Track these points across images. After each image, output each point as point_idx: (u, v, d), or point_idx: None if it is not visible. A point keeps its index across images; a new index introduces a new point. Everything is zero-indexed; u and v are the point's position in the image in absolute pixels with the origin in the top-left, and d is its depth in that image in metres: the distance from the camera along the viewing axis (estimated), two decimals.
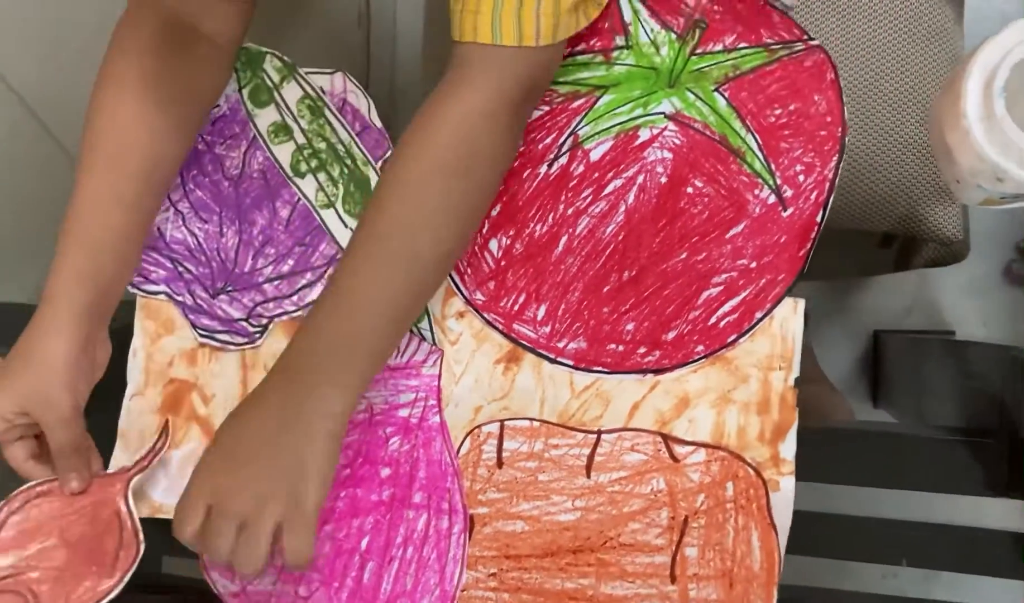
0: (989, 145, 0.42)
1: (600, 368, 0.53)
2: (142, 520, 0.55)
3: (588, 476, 0.52)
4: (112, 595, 0.55)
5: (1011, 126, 0.41)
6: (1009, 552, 0.50)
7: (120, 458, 0.59)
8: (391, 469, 0.55)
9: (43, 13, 0.70)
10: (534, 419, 0.53)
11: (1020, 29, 0.42)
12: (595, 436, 0.52)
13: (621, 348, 0.52)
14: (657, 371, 0.52)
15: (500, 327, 0.54)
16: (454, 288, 0.55)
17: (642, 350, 0.52)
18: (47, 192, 0.67)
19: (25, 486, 0.55)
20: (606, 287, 0.53)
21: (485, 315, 0.54)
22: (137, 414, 0.59)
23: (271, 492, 0.45)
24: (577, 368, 0.53)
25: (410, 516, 0.55)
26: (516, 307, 0.54)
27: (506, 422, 0.54)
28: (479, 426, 0.54)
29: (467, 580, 0.53)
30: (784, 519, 0.49)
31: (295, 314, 0.57)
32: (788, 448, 0.50)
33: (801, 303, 0.51)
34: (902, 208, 0.61)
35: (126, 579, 0.55)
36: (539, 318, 0.54)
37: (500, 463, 0.53)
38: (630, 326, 0.52)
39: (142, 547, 0.55)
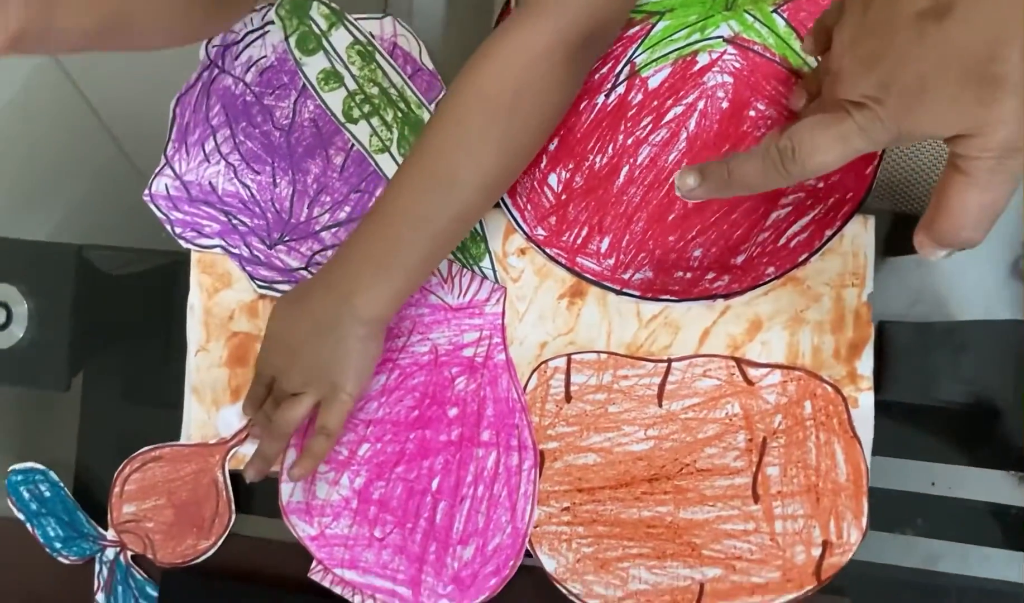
0: None
1: (668, 297, 0.52)
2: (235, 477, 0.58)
3: (659, 405, 0.52)
4: (208, 554, 0.59)
5: None
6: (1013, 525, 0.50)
7: (196, 413, 0.59)
8: (459, 409, 0.55)
9: None
10: (601, 352, 0.53)
11: None
12: (665, 364, 0.52)
13: (689, 275, 0.52)
14: (727, 295, 0.51)
15: (563, 262, 0.54)
16: (514, 225, 0.54)
17: (711, 275, 0.52)
18: (64, 132, 0.67)
19: (144, 449, 0.59)
20: (671, 215, 0.52)
21: (547, 250, 0.54)
22: (205, 369, 0.59)
23: (314, 378, 0.52)
24: (644, 298, 0.53)
25: (479, 455, 0.54)
26: (579, 241, 0.54)
27: (573, 356, 0.53)
28: (545, 362, 0.54)
29: (540, 516, 0.53)
30: (866, 433, 0.48)
31: None
32: (865, 364, 0.49)
33: (871, 220, 0.50)
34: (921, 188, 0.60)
35: (219, 542, 0.59)
36: (603, 250, 0.53)
37: (568, 397, 0.53)
38: (697, 252, 0.52)
39: (233, 516, 0.58)
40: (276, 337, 0.54)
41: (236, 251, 0.59)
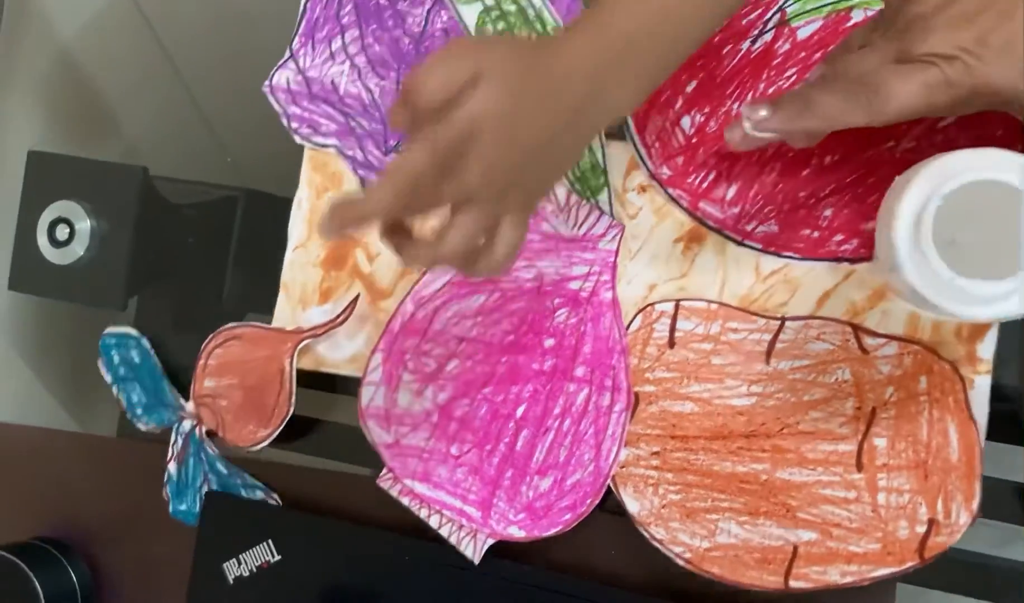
0: (920, 279, 0.41)
1: (791, 254, 0.51)
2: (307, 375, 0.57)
3: (767, 362, 0.51)
4: (264, 444, 0.59)
5: (943, 268, 0.40)
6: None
7: (283, 309, 0.59)
8: (555, 340, 0.54)
9: None
10: (712, 301, 0.52)
11: (958, 160, 0.41)
12: (778, 322, 0.51)
13: (816, 234, 0.51)
14: (853, 260, 0.50)
15: (684, 204, 0.53)
16: (639, 160, 0.53)
17: (839, 237, 0.50)
18: (132, 66, 0.68)
19: (227, 326, 0.59)
20: (805, 171, 0.51)
21: (670, 191, 0.53)
22: (300, 267, 0.59)
23: (522, 180, 0.40)
24: (766, 252, 0.51)
25: (570, 389, 0.54)
26: (704, 185, 0.52)
27: (682, 302, 0.52)
28: (652, 304, 0.53)
29: (627, 457, 0.52)
30: (980, 417, 0.47)
31: None
32: (986, 348, 0.48)
33: None
34: None
35: (275, 434, 0.58)
36: (728, 198, 0.52)
37: (672, 343, 0.52)
38: (828, 212, 0.50)
39: (291, 410, 0.58)
40: (501, 115, 0.37)
41: (350, 154, 0.58)
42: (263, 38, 0.63)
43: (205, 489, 0.59)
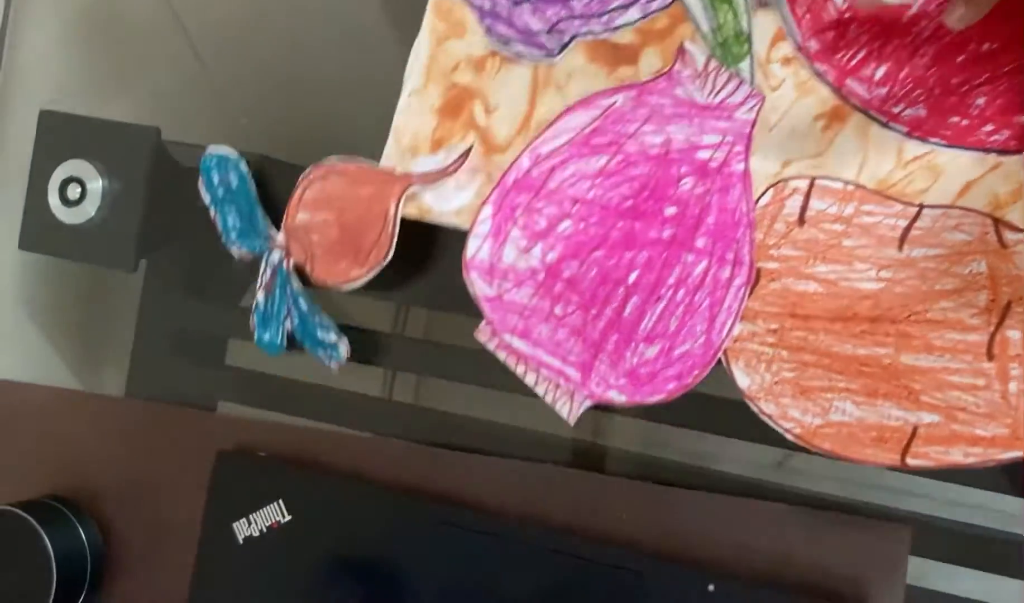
0: None
1: (937, 140, 0.50)
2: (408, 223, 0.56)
3: (900, 248, 0.49)
4: (356, 284, 0.57)
5: None
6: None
7: (391, 153, 0.57)
8: (677, 209, 0.53)
9: None
10: (849, 182, 0.51)
11: None
12: (916, 209, 0.49)
13: (965, 122, 0.49)
14: (1002, 151, 0.49)
15: (830, 80, 0.51)
16: (787, 30, 0.52)
17: (989, 127, 0.49)
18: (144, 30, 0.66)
19: (334, 157, 0.57)
20: (960, 56, 0.49)
21: (816, 65, 0.51)
22: (415, 112, 0.57)
23: None
24: (910, 136, 0.50)
25: (688, 260, 0.52)
26: (853, 62, 0.51)
27: (817, 180, 0.51)
28: (785, 179, 0.51)
29: (742, 332, 0.51)
30: None
31: (601, 35, 0.55)
32: None
33: None
34: None
35: (369, 276, 0.57)
36: (877, 78, 0.51)
37: (802, 221, 0.51)
38: (980, 100, 0.49)
39: (390, 254, 0.56)
40: None
41: (478, 2, 0.57)
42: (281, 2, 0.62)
43: (288, 324, 0.58)
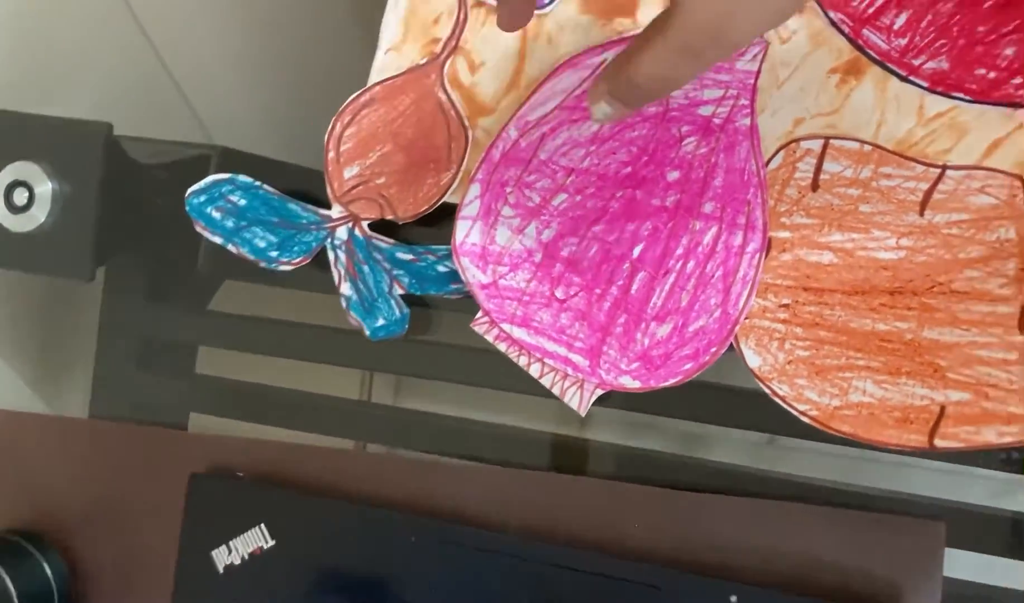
0: None
1: (960, 95, 0.46)
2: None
3: (921, 214, 0.46)
4: (455, 184, 0.52)
5: None
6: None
7: None
8: (681, 173, 0.49)
9: None
10: (866, 142, 0.47)
11: None
12: (938, 170, 0.46)
13: (992, 75, 0.45)
14: None
15: (846, 31, 0.47)
16: None
17: (1018, 80, 0.45)
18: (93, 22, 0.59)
19: (351, 97, 0.51)
20: (987, 2, 0.45)
21: (830, 14, 0.47)
22: (391, 71, 0.52)
23: None
24: (932, 91, 0.46)
25: (696, 227, 0.49)
26: (871, 10, 0.47)
27: (831, 140, 0.47)
28: (797, 140, 0.48)
29: (752, 308, 0.48)
30: None
31: None
32: None
33: None
34: None
35: (462, 168, 0.51)
36: (896, 27, 0.46)
37: (815, 185, 0.47)
38: (1009, 51, 0.45)
39: (470, 133, 0.51)
40: None
41: None
42: None
43: (397, 291, 0.52)
